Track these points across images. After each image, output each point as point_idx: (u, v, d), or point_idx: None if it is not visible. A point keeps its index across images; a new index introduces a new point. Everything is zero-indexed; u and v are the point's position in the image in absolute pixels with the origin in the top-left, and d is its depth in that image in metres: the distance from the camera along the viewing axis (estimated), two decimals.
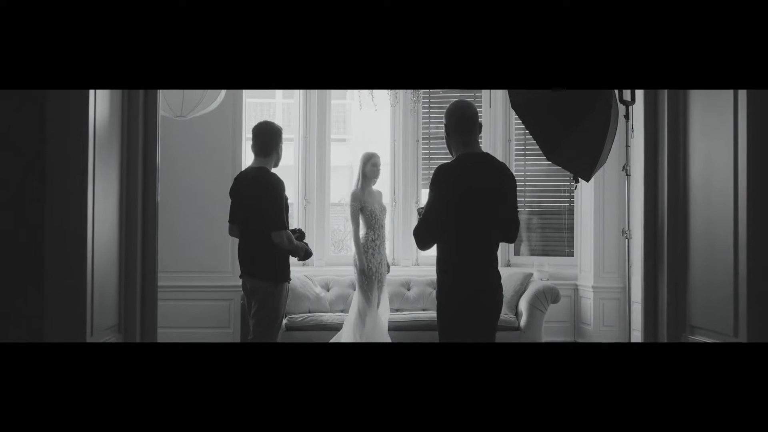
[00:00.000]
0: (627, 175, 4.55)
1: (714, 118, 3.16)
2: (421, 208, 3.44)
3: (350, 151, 11.46)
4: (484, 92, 7.14)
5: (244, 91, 6.39)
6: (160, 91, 3.78)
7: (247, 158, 5.84)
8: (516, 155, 7.16)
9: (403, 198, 7.20)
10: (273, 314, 4.22)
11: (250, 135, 4.48)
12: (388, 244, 6.19)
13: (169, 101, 4.93)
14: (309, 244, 4.50)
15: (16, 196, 2.86)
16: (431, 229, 3.24)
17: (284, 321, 5.72)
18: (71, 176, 2.88)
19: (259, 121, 4.43)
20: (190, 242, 6.16)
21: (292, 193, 6.74)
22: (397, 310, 6.42)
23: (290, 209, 4.45)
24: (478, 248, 3.24)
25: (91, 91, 2.94)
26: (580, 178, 4.30)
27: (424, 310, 6.49)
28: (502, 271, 3.55)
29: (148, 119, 3.55)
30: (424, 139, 7.27)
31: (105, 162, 3.16)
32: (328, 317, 6.16)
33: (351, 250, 5.86)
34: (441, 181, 3.23)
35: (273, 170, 4.34)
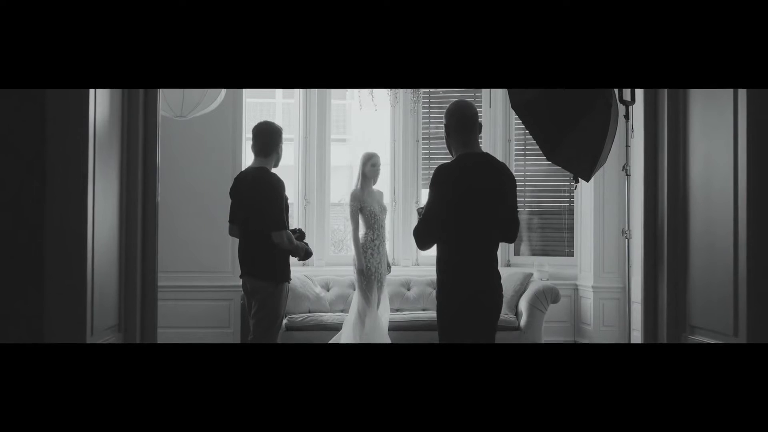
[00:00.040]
0: (627, 175, 4.55)
1: (714, 118, 3.16)
2: (421, 208, 3.44)
3: (350, 151, 11.46)
4: (484, 92, 7.14)
5: (244, 91, 6.39)
6: (160, 91, 3.78)
7: (247, 158, 5.84)
8: (516, 155, 7.16)
9: (403, 198, 7.20)
10: (273, 314, 4.22)
11: (250, 135, 4.48)
12: (388, 244, 6.19)
13: (169, 101, 4.93)
14: (309, 244, 4.50)
15: (16, 196, 2.86)
16: (431, 229, 3.24)
17: (284, 321, 5.72)
18: (71, 176, 2.88)
19: (259, 121, 4.43)
20: (190, 242, 6.16)
21: (292, 193, 6.74)
22: (397, 310, 6.42)
23: (290, 209, 4.45)
24: (478, 248, 3.24)
25: (91, 91, 2.94)
26: (580, 178, 4.30)
27: (424, 310, 6.49)
28: (502, 271, 3.55)
29: (148, 119, 3.55)
30: (424, 139, 7.27)
31: (105, 162, 3.16)
32: (328, 317, 6.16)
33: (351, 250, 5.87)
34: (441, 181, 3.23)
35: (273, 170, 4.34)
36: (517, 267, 6.94)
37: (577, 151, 4.19)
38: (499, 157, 5.62)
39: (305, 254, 4.42)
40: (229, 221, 4.41)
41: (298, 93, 7.21)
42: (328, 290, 6.64)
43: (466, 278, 3.21)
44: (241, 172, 4.50)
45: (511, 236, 3.40)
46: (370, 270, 5.65)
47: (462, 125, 3.33)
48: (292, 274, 4.41)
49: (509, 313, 6.16)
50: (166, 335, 4.87)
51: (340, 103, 10.44)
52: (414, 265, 7.12)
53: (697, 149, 3.34)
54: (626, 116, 4.42)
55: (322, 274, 6.80)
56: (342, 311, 6.31)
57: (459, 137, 3.33)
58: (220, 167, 6.15)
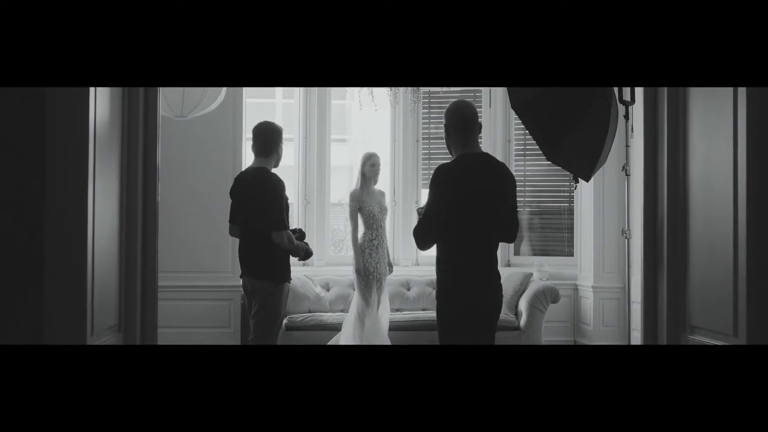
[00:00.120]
0: (627, 175, 4.55)
1: (714, 118, 3.16)
2: (421, 208, 3.45)
3: (350, 151, 11.46)
4: (484, 92, 7.15)
5: (244, 91, 6.40)
6: (161, 91, 3.78)
7: (248, 158, 5.85)
8: (516, 155, 7.16)
9: (403, 198, 7.21)
10: (273, 314, 4.22)
11: (250, 135, 4.48)
12: (388, 244, 6.20)
13: (170, 101, 4.93)
14: (309, 244, 4.50)
15: (16, 195, 2.86)
16: (431, 229, 3.25)
17: (284, 321, 5.72)
18: (71, 176, 2.88)
19: (259, 121, 4.44)
20: (190, 242, 6.17)
21: (292, 193, 6.74)
22: (397, 310, 6.43)
23: (290, 209, 4.46)
24: (477, 248, 3.24)
25: (92, 91, 2.94)
26: (579, 178, 4.30)
27: (424, 310, 6.49)
28: (502, 271, 3.55)
29: (149, 119, 3.55)
30: (424, 139, 7.27)
31: (105, 162, 3.16)
32: (328, 317, 6.16)
33: (351, 250, 5.87)
34: (441, 181, 3.23)
35: (273, 170, 4.34)
36: (517, 267, 6.95)
37: (577, 151, 4.19)
38: (499, 157, 5.62)
39: (305, 254, 4.42)
40: (230, 221, 4.41)
41: (298, 93, 7.21)
42: (328, 290, 6.64)
43: (466, 278, 3.21)
44: (242, 172, 4.50)
45: (511, 236, 3.40)
46: (368, 270, 5.66)
47: (462, 125, 3.33)
48: (292, 274, 4.42)
49: (509, 313, 6.16)
50: (166, 335, 4.87)
51: (340, 103, 10.43)
52: (414, 265, 7.12)
53: (697, 149, 3.34)
54: (626, 116, 4.42)
55: (322, 274, 6.80)
56: (342, 311, 6.31)
57: (459, 137, 3.33)
58: (220, 167, 6.16)
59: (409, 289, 6.75)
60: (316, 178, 7.10)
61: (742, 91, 2.90)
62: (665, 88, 3.49)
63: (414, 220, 6.23)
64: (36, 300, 2.85)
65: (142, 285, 3.52)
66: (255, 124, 4.42)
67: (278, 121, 4.81)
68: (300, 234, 4.46)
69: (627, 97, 4.32)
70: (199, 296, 6.19)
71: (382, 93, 7.02)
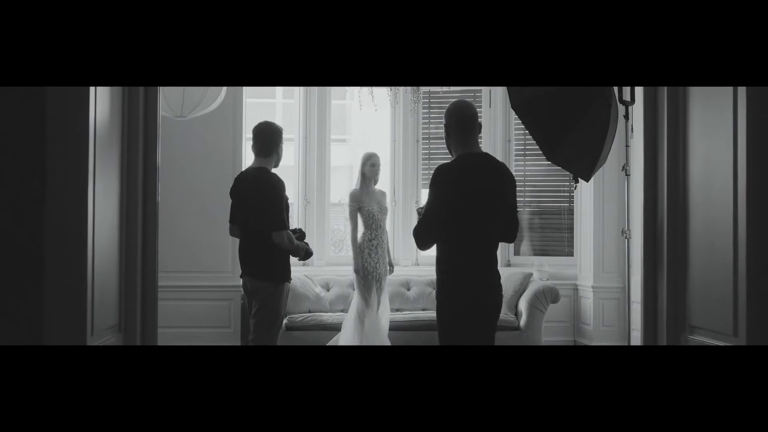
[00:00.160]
0: (627, 175, 4.55)
1: (714, 118, 3.16)
2: (421, 208, 3.45)
3: (350, 151, 11.46)
4: (484, 92, 7.15)
5: (244, 91, 6.40)
6: (161, 91, 3.78)
7: (248, 158, 5.85)
8: (516, 155, 7.16)
9: (403, 198, 7.21)
10: (273, 314, 4.22)
11: (250, 135, 4.48)
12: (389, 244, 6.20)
13: (170, 101, 4.93)
14: (309, 244, 4.51)
15: (16, 195, 2.86)
16: (431, 229, 3.25)
17: (284, 321, 5.72)
18: (71, 176, 2.88)
19: (259, 121, 4.44)
20: (190, 242, 6.17)
21: (292, 193, 6.74)
22: (397, 310, 6.43)
23: (290, 209, 4.46)
24: (477, 248, 3.24)
25: (92, 91, 2.94)
26: (579, 178, 4.31)
27: (424, 310, 6.50)
28: (502, 271, 3.54)
29: (149, 119, 3.55)
30: (424, 139, 7.27)
31: (105, 162, 3.16)
32: (328, 317, 6.16)
33: (350, 250, 5.88)
34: (441, 181, 3.23)
35: (273, 170, 4.34)
36: (517, 267, 6.95)
37: (577, 151, 4.19)
38: (499, 157, 5.62)
39: (305, 254, 4.43)
40: (230, 221, 4.41)
41: (298, 93, 7.21)
42: (328, 290, 6.64)
43: (466, 278, 3.21)
44: (242, 173, 4.51)
45: (510, 236, 3.40)
46: (367, 270, 5.66)
47: (462, 125, 3.33)
48: (292, 274, 4.42)
49: (509, 313, 6.16)
50: (166, 335, 4.88)
51: (340, 103, 10.43)
52: (414, 265, 7.12)
53: (697, 149, 3.34)
54: (626, 116, 4.43)
55: (322, 274, 6.80)
56: (342, 311, 6.31)
57: (459, 137, 3.33)
58: (220, 167, 6.16)
59: (409, 289, 6.75)
60: (316, 178, 7.10)
61: (741, 91, 2.90)
62: (665, 88, 3.49)
63: (414, 220, 6.24)
64: (36, 300, 2.85)
65: (142, 285, 3.52)
66: (255, 124, 4.42)
67: (278, 121, 4.81)
68: (300, 234, 4.46)
69: (627, 97, 4.32)
70: (199, 296, 6.19)
71: (382, 93, 7.02)
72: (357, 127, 12.09)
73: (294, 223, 6.84)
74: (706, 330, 3.24)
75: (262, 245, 4.19)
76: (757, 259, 2.86)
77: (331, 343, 5.81)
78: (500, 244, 3.62)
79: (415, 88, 6.84)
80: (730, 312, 2.99)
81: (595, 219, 6.51)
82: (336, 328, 5.89)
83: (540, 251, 7.13)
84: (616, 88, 4.34)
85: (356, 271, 5.69)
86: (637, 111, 3.93)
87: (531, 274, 6.60)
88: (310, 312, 6.32)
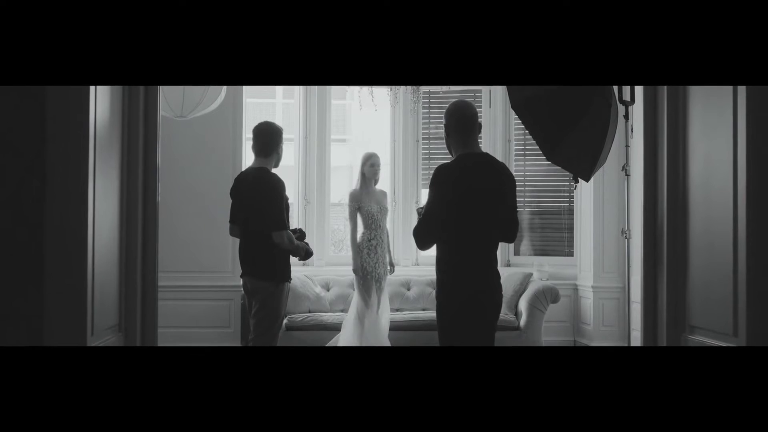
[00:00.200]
0: (626, 175, 4.55)
1: (714, 118, 3.16)
2: (421, 208, 3.45)
3: (350, 151, 11.46)
4: (484, 92, 7.15)
5: (244, 91, 6.40)
6: (161, 91, 3.78)
7: (248, 158, 5.85)
8: (516, 155, 7.16)
9: (403, 198, 7.21)
10: (273, 314, 4.22)
11: (250, 135, 4.48)
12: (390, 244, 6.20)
13: (170, 101, 4.93)
14: (309, 244, 4.51)
15: (17, 195, 2.86)
16: (431, 229, 3.25)
17: (284, 321, 5.72)
18: (72, 175, 2.88)
19: (259, 121, 4.43)
20: (190, 242, 6.17)
21: (292, 193, 6.74)
22: (397, 310, 6.43)
23: (290, 209, 4.46)
24: (477, 248, 3.24)
25: (92, 90, 2.94)
26: (579, 178, 4.30)
27: (424, 310, 6.50)
28: (502, 271, 3.54)
29: (149, 119, 3.55)
30: (424, 139, 7.27)
31: (105, 161, 3.16)
32: (328, 317, 6.16)
33: (350, 250, 5.88)
34: (441, 181, 3.23)
35: (273, 170, 4.34)
36: (517, 267, 6.95)
37: (577, 151, 4.19)
38: (499, 157, 5.62)
39: (306, 254, 4.43)
40: (230, 221, 4.41)
41: (298, 93, 7.22)
42: (328, 290, 6.64)
43: (466, 278, 3.21)
44: (242, 173, 4.50)
45: (510, 236, 3.40)
46: (365, 270, 5.67)
47: (462, 125, 3.33)
48: (292, 274, 4.42)
49: (509, 313, 6.16)
50: (166, 335, 4.88)
51: (340, 104, 10.43)
52: (414, 265, 7.12)
53: (696, 149, 3.34)
54: (626, 116, 4.43)
55: (322, 274, 6.81)
56: (342, 311, 6.31)
57: (459, 137, 3.33)
58: (220, 167, 6.16)
59: (409, 289, 6.75)
60: (316, 178, 7.10)
61: (741, 91, 2.90)
62: (665, 88, 3.49)
63: (414, 220, 6.24)
64: (36, 300, 2.85)
65: (142, 285, 3.52)
66: (255, 124, 4.41)
67: (278, 121, 4.81)
68: (300, 234, 4.46)
69: (627, 97, 4.32)
70: (199, 296, 6.19)
71: (382, 93, 7.02)
72: (357, 127, 12.09)
73: (294, 223, 6.84)
74: (705, 330, 3.24)
75: (263, 245, 4.19)
76: (757, 259, 2.86)
77: (330, 343, 5.81)
78: (500, 244, 3.62)
79: (415, 88, 6.84)
80: (730, 312, 2.99)
81: (595, 219, 6.51)
82: (336, 328, 5.89)
83: (540, 251, 7.13)
84: (616, 88, 4.34)
85: (355, 271, 5.70)
86: (637, 111, 3.93)
87: (531, 274, 6.60)
88: (310, 312, 6.32)
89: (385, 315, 5.79)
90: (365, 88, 6.76)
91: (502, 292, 3.33)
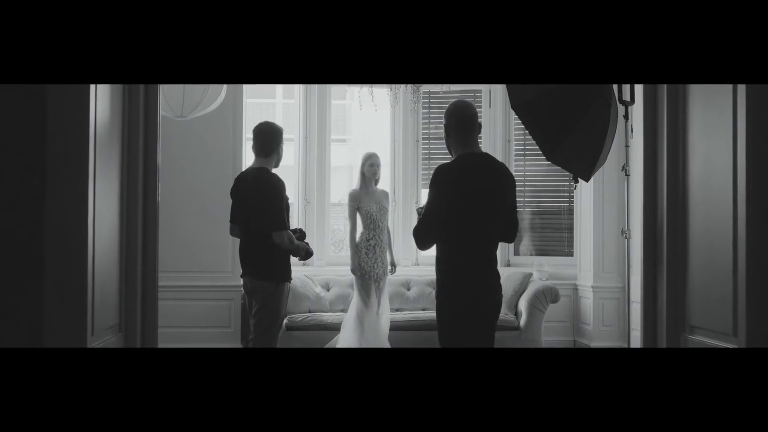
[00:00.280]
0: (626, 175, 4.55)
1: (714, 118, 3.16)
2: (421, 208, 3.45)
3: (350, 151, 11.46)
4: (484, 92, 7.15)
5: (244, 91, 6.40)
6: (161, 91, 3.78)
7: (248, 158, 5.85)
8: (516, 155, 7.16)
9: (403, 198, 7.21)
10: (273, 314, 4.23)
11: (250, 135, 4.49)
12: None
13: (170, 101, 4.93)
14: (309, 244, 4.51)
15: (17, 194, 2.86)
16: (431, 229, 3.25)
17: (284, 321, 5.72)
18: (72, 175, 2.88)
19: (259, 121, 4.44)
20: (190, 242, 6.17)
21: (292, 193, 6.74)
22: (397, 310, 6.43)
23: (290, 209, 4.46)
24: (477, 248, 3.24)
25: (92, 90, 2.94)
26: (579, 178, 4.31)
27: (423, 309, 6.50)
28: (502, 271, 3.55)
29: (149, 119, 3.55)
30: (424, 139, 7.27)
31: (105, 161, 3.16)
32: (328, 317, 6.16)
33: (350, 250, 5.89)
34: (441, 181, 3.23)
35: (273, 170, 4.35)
36: (517, 267, 6.95)
37: (577, 151, 4.19)
38: (499, 157, 5.62)
39: (306, 254, 4.43)
40: (230, 221, 4.42)
41: (298, 93, 7.22)
42: (328, 290, 6.65)
43: (466, 278, 3.21)
44: (242, 173, 4.51)
45: (510, 236, 3.40)
46: (364, 270, 5.67)
47: (461, 125, 3.33)
48: (293, 274, 4.42)
49: (509, 313, 6.16)
50: (166, 335, 4.88)
51: (340, 104, 10.43)
52: (414, 265, 7.12)
53: (696, 149, 3.34)
54: (626, 116, 4.43)
55: (322, 274, 6.81)
56: (342, 311, 6.31)
57: (458, 137, 3.33)
58: (220, 167, 6.16)
59: (409, 289, 6.75)
60: (316, 178, 7.10)
61: (741, 90, 2.89)
62: (665, 88, 3.49)
63: (414, 220, 6.24)
64: (36, 299, 2.85)
65: (142, 285, 3.52)
66: (255, 124, 4.42)
67: (278, 122, 4.81)
68: (300, 234, 4.46)
69: (627, 97, 4.32)
70: (199, 296, 6.19)
71: (382, 93, 7.02)
72: (357, 127, 12.10)
73: (294, 223, 6.85)
74: (705, 330, 3.24)
75: (263, 245, 4.19)
76: (756, 259, 2.85)
77: (330, 343, 5.81)
78: (500, 244, 3.62)
79: (414, 88, 6.84)
80: (730, 312, 2.99)
81: (595, 219, 6.51)
82: (336, 328, 5.90)
83: (540, 251, 7.13)
84: (616, 88, 4.34)
85: (353, 270, 5.71)
86: (637, 111, 3.93)
87: (531, 274, 6.61)
88: (310, 312, 6.32)
89: (385, 315, 5.79)
90: (365, 88, 6.76)
91: (502, 292, 3.34)
